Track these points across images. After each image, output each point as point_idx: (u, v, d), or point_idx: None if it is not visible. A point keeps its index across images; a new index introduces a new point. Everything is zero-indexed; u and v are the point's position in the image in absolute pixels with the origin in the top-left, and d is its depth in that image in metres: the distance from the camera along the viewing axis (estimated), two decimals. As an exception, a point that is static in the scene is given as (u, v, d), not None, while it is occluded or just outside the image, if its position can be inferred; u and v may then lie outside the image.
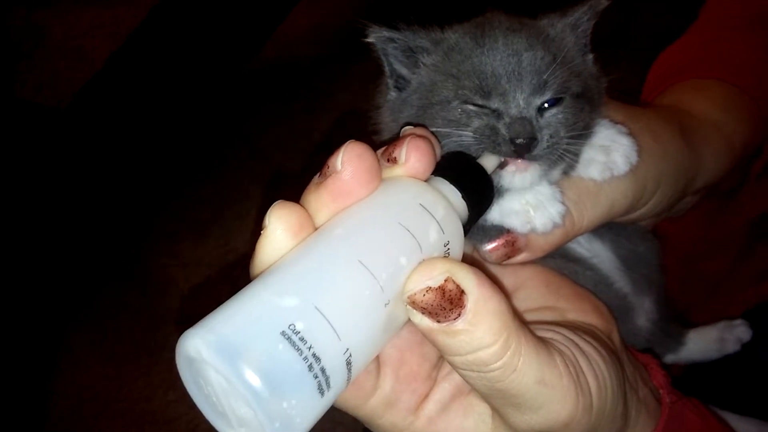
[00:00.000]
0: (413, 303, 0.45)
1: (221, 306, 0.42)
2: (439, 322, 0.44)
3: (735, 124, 0.86)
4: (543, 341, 0.49)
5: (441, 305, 0.44)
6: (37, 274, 2.37)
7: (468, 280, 0.45)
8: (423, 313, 0.45)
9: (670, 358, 0.93)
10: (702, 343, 0.95)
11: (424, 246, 0.46)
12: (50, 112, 2.46)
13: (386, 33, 0.67)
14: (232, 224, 2.50)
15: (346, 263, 0.43)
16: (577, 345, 0.53)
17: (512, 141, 0.61)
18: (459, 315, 0.44)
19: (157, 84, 2.42)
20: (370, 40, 0.67)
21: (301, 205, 0.48)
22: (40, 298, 2.35)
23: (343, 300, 0.42)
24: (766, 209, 1.04)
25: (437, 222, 0.47)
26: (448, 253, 0.49)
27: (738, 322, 0.97)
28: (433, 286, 0.44)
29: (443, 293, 0.44)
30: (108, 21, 3.17)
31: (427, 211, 0.47)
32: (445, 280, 0.44)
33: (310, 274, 0.43)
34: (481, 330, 0.44)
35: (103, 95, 2.42)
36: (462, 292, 0.44)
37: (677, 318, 0.93)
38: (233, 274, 2.35)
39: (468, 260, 0.51)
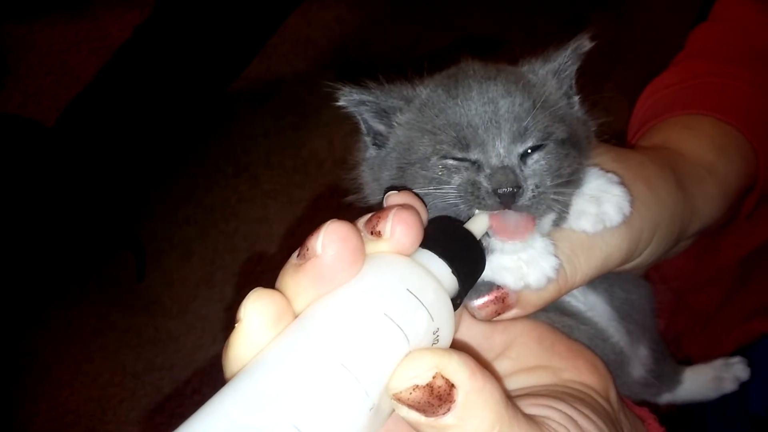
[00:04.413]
0: (399, 400, 0.42)
1: (188, 421, 0.39)
2: (427, 416, 0.42)
3: (728, 165, 0.84)
4: (538, 425, 0.47)
5: (429, 402, 0.41)
6: (19, 293, 2.32)
7: (459, 373, 0.42)
8: (410, 408, 0.42)
9: (666, 398, 0.91)
10: (699, 382, 0.93)
11: (412, 338, 0.43)
12: (36, 126, 2.42)
13: (356, 96, 0.66)
14: (219, 243, 2.47)
15: (326, 368, 0.40)
16: (573, 421, 0.51)
17: (495, 192, 0.59)
18: (449, 410, 0.41)
19: (142, 100, 2.39)
20: (341, 103, 0.66)
21: (278, 291, 0.45)
22: (23, 319, 2.31)
23: (324, 413, 0.39)
24: (756, 247, 1.02)
25: (426, 309, 0.44)
26: (438, 341, 0.46)
27: (735, 359, 0.94)
28: (420, 384, 0.42)
29: (431, 390, 0.41)
30: (93, 35, 3.14)
31: (415, 297, 0.44)
32: (434, 377, 0.41)
33: (286, 384, 0.39)
34: (472, 424, 0.42)
35: (89, 111, 2.38)
36: (452, 386, 0.41)
37: (672, 358, 0.91)
38: (221, 294, 2.32)
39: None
